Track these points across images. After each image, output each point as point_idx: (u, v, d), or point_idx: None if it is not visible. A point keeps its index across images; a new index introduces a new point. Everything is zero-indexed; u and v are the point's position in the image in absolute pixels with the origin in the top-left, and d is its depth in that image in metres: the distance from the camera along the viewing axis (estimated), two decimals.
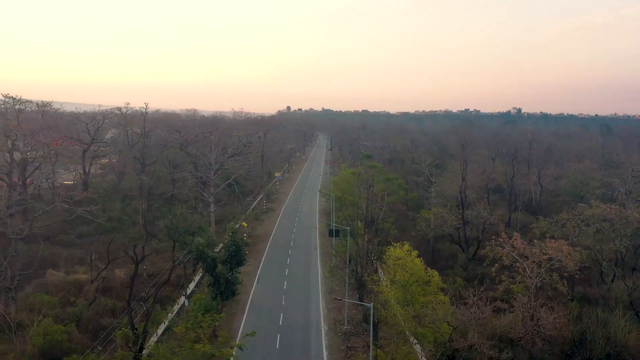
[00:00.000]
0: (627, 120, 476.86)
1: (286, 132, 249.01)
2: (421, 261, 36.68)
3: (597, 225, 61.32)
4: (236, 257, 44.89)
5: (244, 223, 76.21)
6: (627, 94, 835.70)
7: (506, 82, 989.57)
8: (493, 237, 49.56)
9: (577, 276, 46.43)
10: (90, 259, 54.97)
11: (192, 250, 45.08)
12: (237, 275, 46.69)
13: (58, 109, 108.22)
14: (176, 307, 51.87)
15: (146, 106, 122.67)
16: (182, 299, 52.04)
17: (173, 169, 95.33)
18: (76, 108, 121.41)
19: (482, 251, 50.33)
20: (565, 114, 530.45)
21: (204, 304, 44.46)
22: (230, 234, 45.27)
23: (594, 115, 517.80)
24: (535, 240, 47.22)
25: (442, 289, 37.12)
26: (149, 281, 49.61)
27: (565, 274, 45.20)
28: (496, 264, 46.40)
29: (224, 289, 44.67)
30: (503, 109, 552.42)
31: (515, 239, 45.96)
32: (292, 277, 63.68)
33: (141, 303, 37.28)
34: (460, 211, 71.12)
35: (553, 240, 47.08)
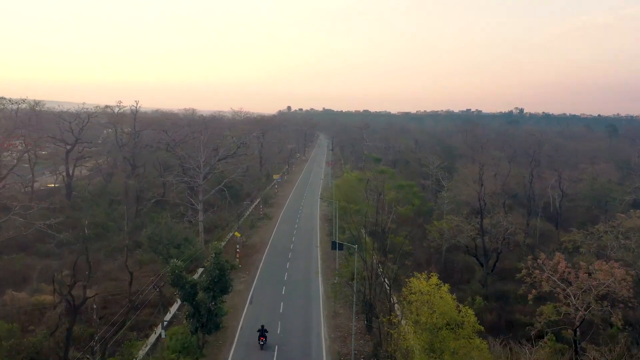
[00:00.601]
0: (631, 120, 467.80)
1: (286, 132, 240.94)
2: (453, 298, 28.46)
3: (638, 238, 53.13)
4: (220, 283, 36.57)
5: (236, 233, 67.93)
6: (629, 94, 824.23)
7: (507, 82, 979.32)
8: (530, 257, 41.23)
9: (630, 304, 38.36)
10: (53, 280, 46.60)
11: (168, 274, 36.74)
12: (222, 305, 38.35)
13: (34, 106, 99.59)
14: (153, 337, 43.65)
15: (137, 104, 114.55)
16: (160, 328, 43.74)
17: (164, 171, 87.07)
18: (58, 106, 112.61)
19: (518, 275, 41.85)
20: (568, 114, 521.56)
21: (180, 340, 36.24)
22: (213, 255, 36.95)
23: (596, 115, 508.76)
24: (581, 263, 38.84)
25: (480, 333, 28.80)
26: (102, 322, 41.04)
27: (621, 305, 37.06)
28: (533, 290, 38.24)
29: (206, 321, 36.36)
30: (504, 109, 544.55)
31: (559, 261, 37.70)
32: (290, 297, 55.29)
33: (87, 356, 28.98)
34: (479, 220, 62.81)
35: (602, 262, 38.86)
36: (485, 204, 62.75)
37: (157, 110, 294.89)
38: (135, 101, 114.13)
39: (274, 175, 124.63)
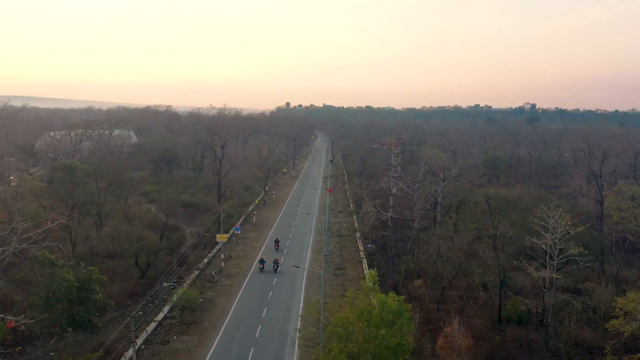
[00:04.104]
0: None
1: (277, 135, 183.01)
2: None
3: None
4: None
5: None
6: (633, 90, 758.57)
7: (513, 78, 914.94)
8: None
9: None
10: None
11: None
12: None
13: None
14: None
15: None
16: None
17: None
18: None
19: None
20: (582, 110, 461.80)
21: None
22: None
23: (612, 111, 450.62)
24: None
25: None
26: None
27: None
28: None
29: None
30: (513, 104, 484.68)
31: None
32: None
33: None
34: None
35: None
36: None
37: (147, 107, 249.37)
38: None
39: (217, 237, 63.52)
